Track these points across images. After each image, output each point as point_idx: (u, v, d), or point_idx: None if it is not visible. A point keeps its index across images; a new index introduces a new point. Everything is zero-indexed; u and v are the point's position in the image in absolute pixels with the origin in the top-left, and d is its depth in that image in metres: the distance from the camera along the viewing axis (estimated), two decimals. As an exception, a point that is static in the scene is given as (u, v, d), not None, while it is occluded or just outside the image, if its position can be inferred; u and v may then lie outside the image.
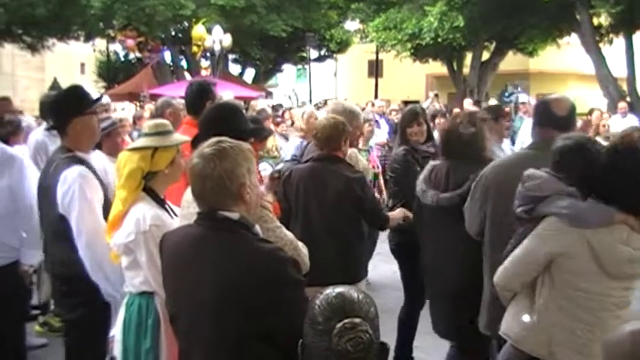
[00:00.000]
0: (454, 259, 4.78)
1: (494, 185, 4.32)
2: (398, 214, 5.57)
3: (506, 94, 24.86)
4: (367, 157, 8.22)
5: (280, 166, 5.27)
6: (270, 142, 8.90)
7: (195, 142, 3.88)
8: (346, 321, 2.21)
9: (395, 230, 6.08)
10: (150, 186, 3.88)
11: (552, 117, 4.25)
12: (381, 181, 8.43)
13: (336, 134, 5.19)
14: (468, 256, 4.58)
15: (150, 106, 13.62)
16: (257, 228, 2.95)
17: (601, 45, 24.37)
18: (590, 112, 13.92)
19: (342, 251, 5.13)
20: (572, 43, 28.49)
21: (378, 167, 8.53)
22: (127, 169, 3.83)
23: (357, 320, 2.21)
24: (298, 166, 5.46)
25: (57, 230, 4.29)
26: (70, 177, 4.21)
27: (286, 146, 9.34)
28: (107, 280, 4.18)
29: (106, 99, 8.83)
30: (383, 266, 8.53)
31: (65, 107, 4.42)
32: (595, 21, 23.84)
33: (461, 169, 4.82)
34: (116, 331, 3.88)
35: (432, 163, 5.13)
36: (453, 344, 5.15)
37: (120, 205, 3.82)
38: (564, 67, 34.29)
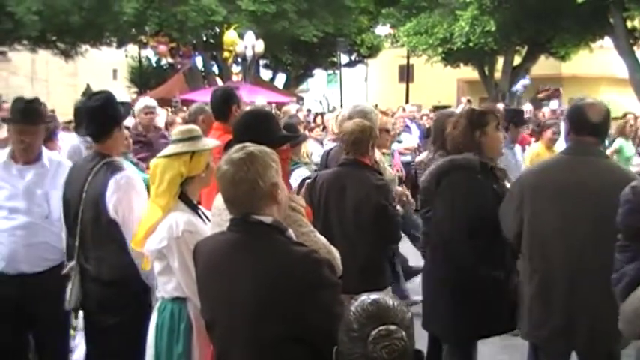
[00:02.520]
0: (439, 248, 4.91)
1: (530, 190, 4.31)
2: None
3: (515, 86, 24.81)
4: (391, 161, 8.22)
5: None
6: (302, 148, 8.90)
7: (228, 148, 3.90)
8: (381, 328, 2.20)
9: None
10: (184, 191, 3.90)
11: (587, 123, 4.20)
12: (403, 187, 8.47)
13: (363, 138, 5.17)
14: (451, 248, 4.74)
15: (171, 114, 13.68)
16: (290, 231, 2.96)
17: (635, 48, 24.14)
18: (624, 115, 13.77)
19: (362, 261, 5.04)
20: (605, 46, 28.24)
21: (401, 171, 8.50)
22: (169, 175, 3.85)
23: (393, 327, 2.21)
24: (324, 171, 5.47)
25: (106, 235, 4.32)
26: (123, 183, 4.27)
27: (316, 152, 9.34)
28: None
29: (151, 101, 8.79)
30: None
31: (110, 116, 4.49)
32: (629, 24, 23.62)
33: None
34: (148, 337, 3.91)
35: None
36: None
37: (160, 212, 3.84)
38: (597, 71, 33.96)
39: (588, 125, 4.20)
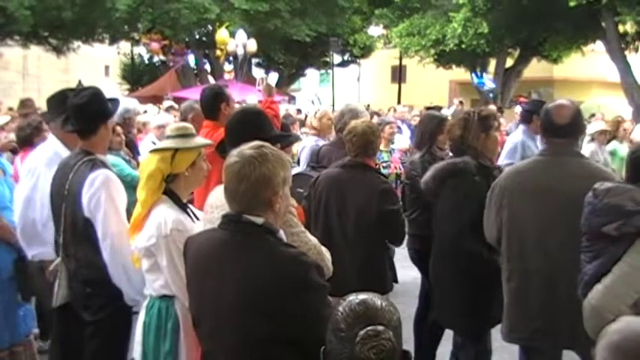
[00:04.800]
0: (444, 244, 5.02)
1: (508, 192, 4.34)
2: None
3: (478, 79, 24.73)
4: (389, 157, 8.24)
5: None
6: (295, 148, 8.88)
7: (220, 146, 3.89)
8: (369, 328, 2.20)
9: (413, 236, 6.06)
10: (171, 189, 3.89)
11: (553, 126, 4.24)
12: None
13: (373, 140, 5.16)
14: (455, 243, 4.86)
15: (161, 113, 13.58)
16: (281, 233, 2.95)
17: (626, 52, 24.22)
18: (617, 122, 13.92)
19: (362, 264, 5.00)
20: (597, 50, 28.37)
21: (400, 168, 8.51)
22: (147, 170, 3.86)
23: (380, 328, 2.20)
24: (327, 170, 5.39)
25: (82, 233, 4.30)
26: (97, 180, 4.24)
27: (300, 149, 9.26)
28: (130, 284, 4.19)
29: (131, 104, 8.62)
30: (404, 272, 8.48)
31: (96, 113, 4.49)
32: (621, 28, 23.69)
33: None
34: (136, 334, 3.90)
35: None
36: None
37: (139, 207, 3.85)
38: (589, 75, 34.08)
39: (555, 127, 4.23)
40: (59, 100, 4.96)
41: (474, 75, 26.59)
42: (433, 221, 5.18)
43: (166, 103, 14.74)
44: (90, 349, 4.46)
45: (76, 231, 4.34)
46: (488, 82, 24.93)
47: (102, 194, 4.21)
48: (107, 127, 4.58)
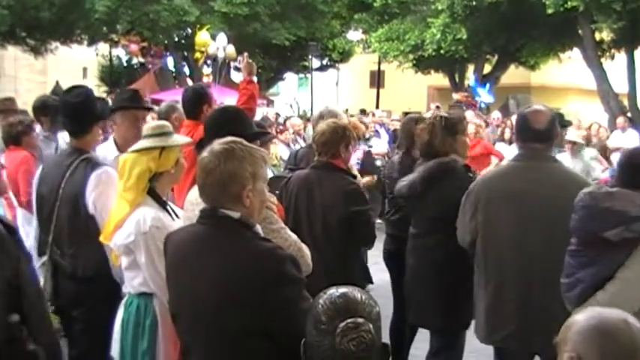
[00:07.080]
0: (415, 243, 5.24)
1: (484, 197, 4.36)
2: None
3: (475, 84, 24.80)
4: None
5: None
6: (272, 150, 8.92)
7: (199, 145, 3.90)
8: (349, 321, 2.22)
9: (387, 236, 6.10)
10: (152, 187, 3.89)
11: (531, 131, 4.26)
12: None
13: (334, 139, 4.95)
14: (426, 242, 5.07)
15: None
16: (258, 227, 2.96)
17: (603, 60, 24.45)
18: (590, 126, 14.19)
19: (330, 265, 4.79)
20: (573, 57, 28.57)
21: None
22: (137, 170, 3.84)
23: (360, 320, 2.22)
24: (298, 171, 5.35)
25: (83, 231, 4.30)
26: (103, 178, 4.27)
27: (286, 155, 9.36)
28: None
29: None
30: (381, 274, 8.51)
31: (91, 112, 4.52)
32: (597, 36, 23.92)
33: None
34: (114, 332, 3.89)
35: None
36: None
37: (127, 206, 3.83)
38: (566, 82, 34.32)
39: (532, 132, 4.26)
40: None
41: (474, 78, 26.59)
42: (416, 220, 5.25)
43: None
44: (82, 346, 4.45)
45: (77, 229, 4.34)
46: (486, 95, 24.78)
47: (109, 191, 4.22)
48: (99, 126, 4.63)
